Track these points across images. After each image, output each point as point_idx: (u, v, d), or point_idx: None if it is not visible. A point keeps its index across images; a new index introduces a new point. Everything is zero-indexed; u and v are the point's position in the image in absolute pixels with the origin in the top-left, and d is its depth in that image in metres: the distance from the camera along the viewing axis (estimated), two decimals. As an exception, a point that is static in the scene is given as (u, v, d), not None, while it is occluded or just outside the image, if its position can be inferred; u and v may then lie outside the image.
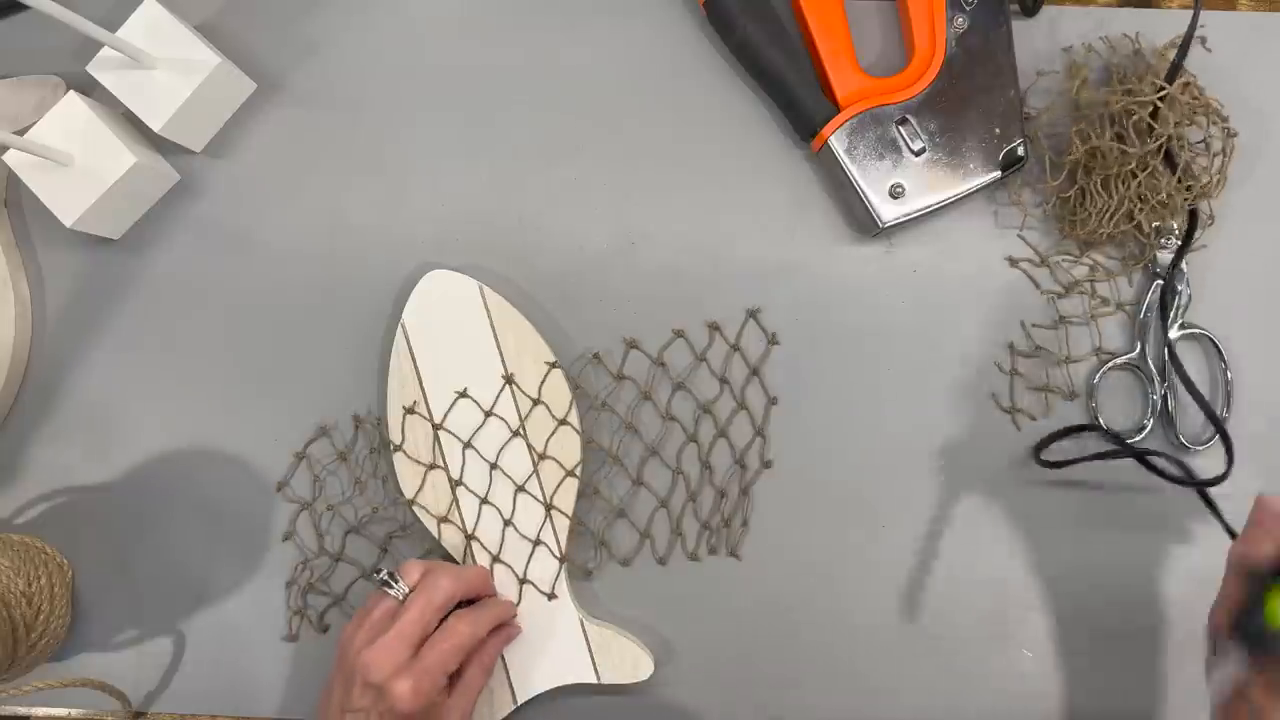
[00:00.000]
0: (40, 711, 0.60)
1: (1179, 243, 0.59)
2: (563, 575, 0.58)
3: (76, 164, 0.58)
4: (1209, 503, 0.56)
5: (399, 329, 0.58)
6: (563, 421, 0.58)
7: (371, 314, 0.61)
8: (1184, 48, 0.55)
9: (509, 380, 0.58)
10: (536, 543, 0.58)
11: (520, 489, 0.58)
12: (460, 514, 0.58)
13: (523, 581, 0.58)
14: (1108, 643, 0.58)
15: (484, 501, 0.58)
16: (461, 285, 0.59)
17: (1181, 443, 0.58)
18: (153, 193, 0.62)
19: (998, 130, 0.58)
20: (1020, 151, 0.58)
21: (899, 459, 0.60)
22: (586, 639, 0.57)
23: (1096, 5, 0.62)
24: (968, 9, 0.59)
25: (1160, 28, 0.59)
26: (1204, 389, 0.60)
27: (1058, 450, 0.58)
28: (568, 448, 0.58)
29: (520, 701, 0.56)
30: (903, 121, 0.58)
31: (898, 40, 0.62)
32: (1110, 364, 0.59)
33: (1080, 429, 0.58)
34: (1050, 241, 0.61)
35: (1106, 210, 0.57)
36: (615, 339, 0.60)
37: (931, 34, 0.59)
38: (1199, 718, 0.57)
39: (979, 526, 0.59)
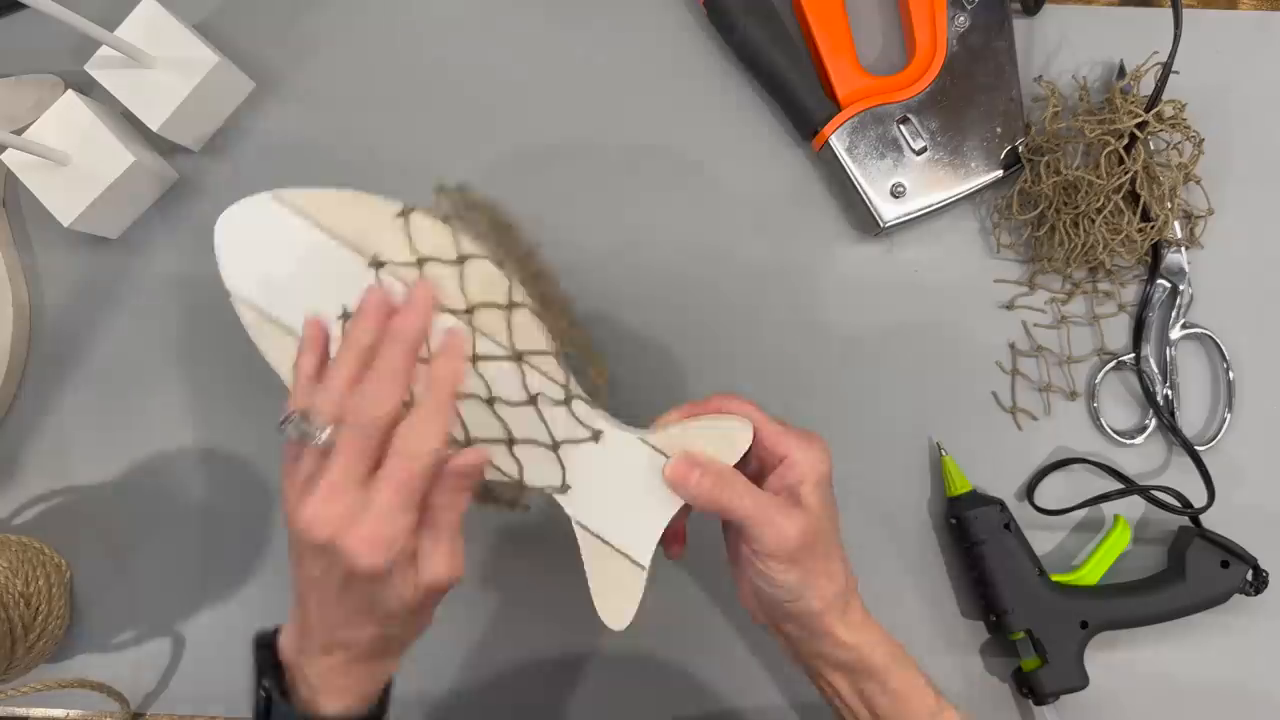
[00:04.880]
0: (39, 712, 0.60)
1: (1182, 245, 0.59)
2: (584, 408, 0.47)
3: (74, 163, 0.58)
4: (1198, 525, 0.57)
5: (236, 308, 0.47)
6: (462, 259, 0.46)
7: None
8: (1165, 75, 0.55)
9: (378, 265, 0.46)
10: (532, 400, 0.47)
11: (475, 359, 0.46)
12: None
13: (558, 446, 0.47)
14: (1111, 640, 0.58)
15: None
16: (257, 210, 0.47)
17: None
18: (151, 192, 0.62)
19: (999, 129, 0.58)
20: (1021, 150, 0.58)
21: (900, 458, 0.60)
22: (662, 452, 0.47)
23: (1098, 4, 0.62)
24: (969, 8, 0.59)
25: (1160, 27, 0.59)
26: (1205, 388, 0.60)
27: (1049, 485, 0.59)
28: (487, 282, 0.46)
29: (647, 564, 0.46)
30: (904, 120, 0.58)
31: (899, 39, 0.62)
32: (1111, 364, 0.59)
33: (1067, 462, 0.59)
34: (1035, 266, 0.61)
35: (1074, 248, 0.57)
36: (615, 339, 0.60)
37: (933, 33, 0.58)
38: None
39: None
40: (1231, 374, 0.59)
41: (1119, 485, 0.58)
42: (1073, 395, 0.60)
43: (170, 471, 0.61)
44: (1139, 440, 0.59)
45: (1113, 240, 0.56)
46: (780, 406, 0.60)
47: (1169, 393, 0.59)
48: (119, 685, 0.57)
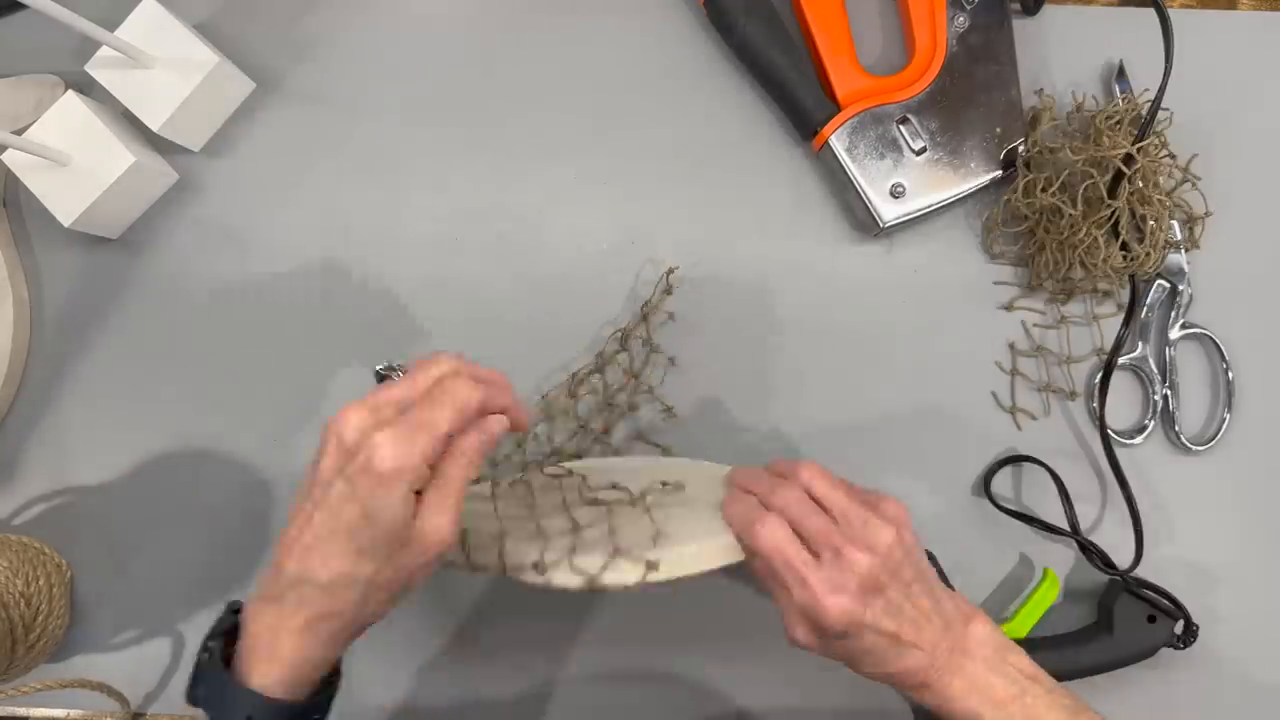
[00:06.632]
0: (39, 712, 0.60)
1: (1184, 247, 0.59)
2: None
3: (75, 163, 0.58)
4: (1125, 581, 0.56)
5: None
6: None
7: (371, 314, 0.61)
8: (1154, 110, 0.54)
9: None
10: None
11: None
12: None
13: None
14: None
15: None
16: None
17: (1183, 443, 0.58)
18: (151, 192, 0.62)
19: (999, 129, 0.58)
20: (1021, 151, 0.58)
21: (901, 458, 0.60)
22: None
23: (1098, 4, 0.62)
24: (968, 8, 0.59)
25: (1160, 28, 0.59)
26: (1205, 388, 0.60)
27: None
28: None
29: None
30: (903, 121, 0.58)
31: (899, 39, 0.62)
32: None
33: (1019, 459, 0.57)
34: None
35: (1058, 270, 0.57)
36: (614, 339, 0.60)
37: (932, 33, 0.58)
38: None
39: (980, 525, 0.59)
40: (1231, 374, 0.59)
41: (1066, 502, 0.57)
42: (1073, 395, 0.60)
43: (170, 471, 0.61)
44: (1138, 440, 0.59)
45: (1093, 269, 0.56)
46: (780, 407, 0.60)
47: (1168, 393, 0.59)
48: (119, 685, 0.57)
